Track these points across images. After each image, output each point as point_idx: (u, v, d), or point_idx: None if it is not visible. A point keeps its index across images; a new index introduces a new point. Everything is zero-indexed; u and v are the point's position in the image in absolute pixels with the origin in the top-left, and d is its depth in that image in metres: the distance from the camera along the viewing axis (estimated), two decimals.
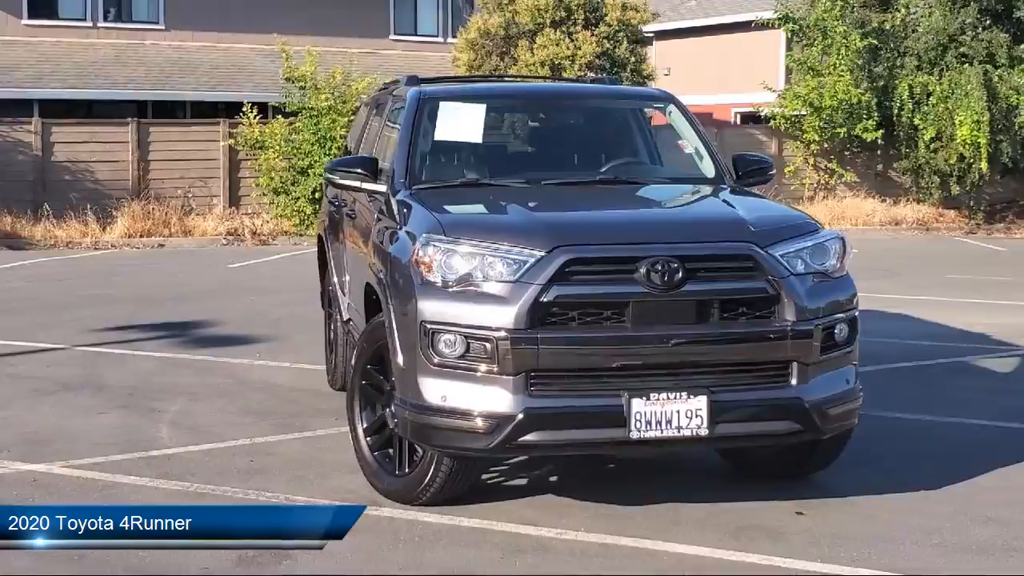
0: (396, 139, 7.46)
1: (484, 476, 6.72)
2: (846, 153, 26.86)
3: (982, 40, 25.64)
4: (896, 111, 25.71)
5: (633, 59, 25.59)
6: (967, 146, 24.76)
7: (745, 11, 34.04)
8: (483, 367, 5.75)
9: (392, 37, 31.34)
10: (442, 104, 7.45)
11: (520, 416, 5.68)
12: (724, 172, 7.39)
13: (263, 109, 24.88)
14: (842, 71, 25.41)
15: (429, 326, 5.85)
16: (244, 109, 22.87)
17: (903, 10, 26.54)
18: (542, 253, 5.77)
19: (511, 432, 5.70)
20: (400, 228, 6.44)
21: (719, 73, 34.70)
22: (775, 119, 26.46)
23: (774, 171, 7.70)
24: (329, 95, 22.36)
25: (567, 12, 25.21)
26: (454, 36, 29.57)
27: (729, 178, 7.36)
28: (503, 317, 5.71)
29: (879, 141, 25.96)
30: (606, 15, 25.44)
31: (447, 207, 6.49)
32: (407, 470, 6.36)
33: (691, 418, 5.74)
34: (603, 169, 7.44)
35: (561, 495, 6.59)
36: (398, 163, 7.12)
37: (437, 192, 6.89)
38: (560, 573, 5.52)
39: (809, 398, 5.91)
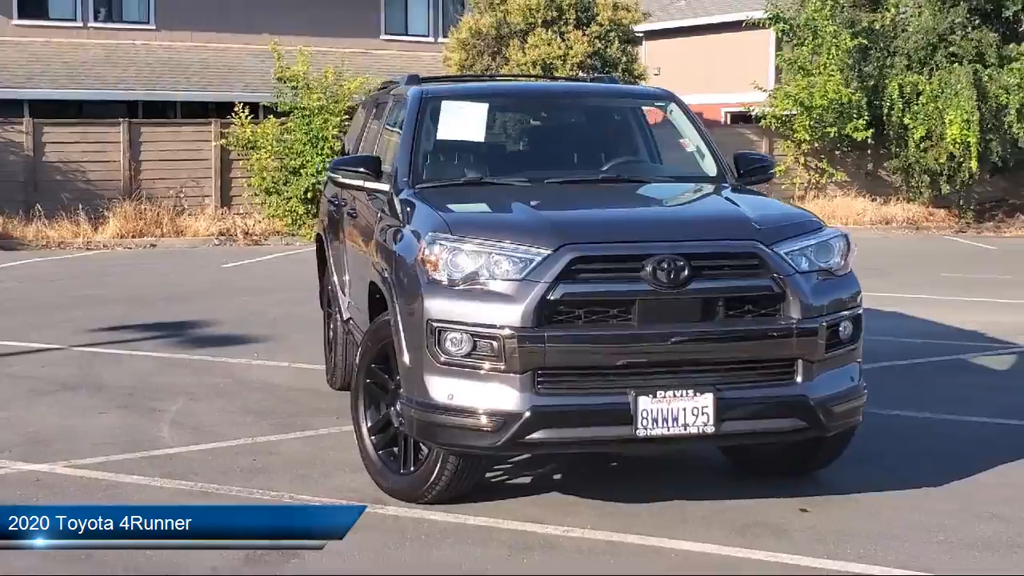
0: (398, 139, 7.47)
1: (488, 474, 6.74)
2: (836, 152, 26.92)
3: (971, 39, 25.71)
4: (886, 110, 25.77)
5: (624, 59, 25.61)
6: (957, 145, 24.83)
7: (734, 11, 34.11)
8: (490, 365, 5.76)
9: (383, 37, 31.32)
10: (444, 103, 7.47)
11: (527, 414, 5.70)
12: (726, 171, 7.42)
13: (254, 109, 24.87)
14: (832, 71, 25.47)
15: (436, 324, 5.86)
16: (236, 109, 22.83)
17: (893, 10, 26.60)
18: (548, 251, 5.79)
19: (518, 430, 5.71)
20: (404, 227, 6.46)
21: (708, 73, 34.76)
22: (766, 118, 26.51)
23: (775, 170, 7.74)
24: (321, 95, 22.34)
25: (558, 12, 25.22)
26: (445, 36, 29.57)
27: (731, 177, 7.38)
28: (510, 315, 5.72)
29: (869, 140, 26.02)
30: (597, 15, 25.47)
31: (452, 206, 6.51)
32: (412, 468, 6.37)
33: (697, 415, 5.76)
34: (605, 168, 7.46)
35: (566, 493, 6.61)
36: (401, 162, 7.13)
37: (440, 191, 6.90)
38: (568, 571, 5.53)
39: (814, 395, 5.95)
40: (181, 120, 26.15)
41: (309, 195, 22.15)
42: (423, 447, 6.28)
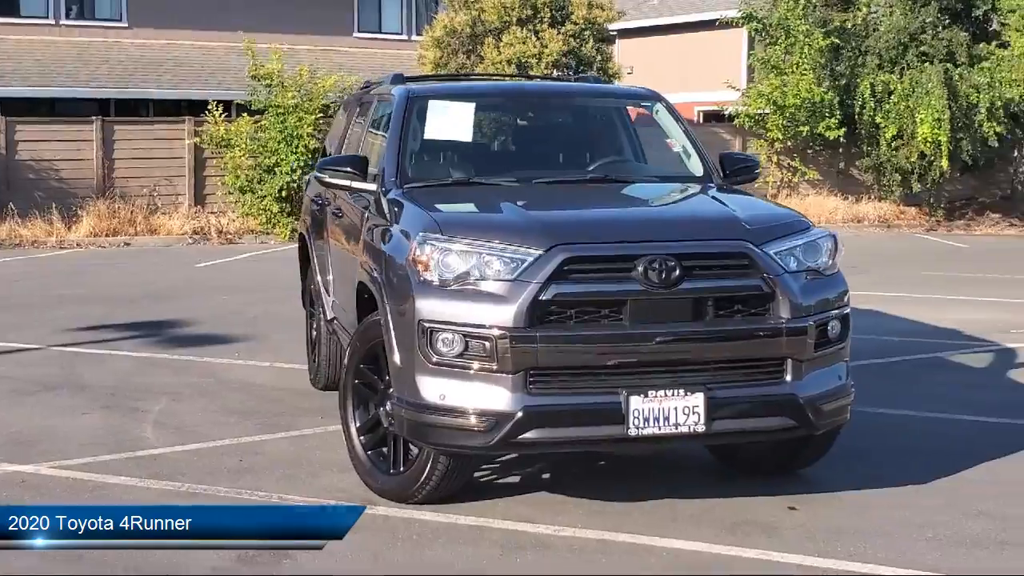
0: (384, 139, 7.47)
1: (477, 474, 6.74)
2: (809, 151, 27.05)
3: (942, 39, 25.89)
4: (858, 109, 25.91)
5: (599, 58, 25.65)
6: (928, 144, 25.00)
7: (706, 10, 34.23)
8: (482, 365, 5.77)
9: (356, 35, 31.27)
10: (431, 103, 7.46)
11: (519, 414, 5.71)
12: (712, 171, 7.45)
13: (228, 107, 24.77)
14: (805, 70, 25.60)
15: (427, 325, 5.86)
16: (210, 107, 22.73)
17: (864, 9, 26.75)
18: (540, 252, 5.80)
19: (510, 430, 5.72)
20: (393, 227, 6.46)
21: (681, 72, 34.86)
22: (739, 117, 26.61)
23: (760, 169, 7.78)
24: (296, 93, 22.26)
25: (533, 10, 25.23)
26: (419, 34, 29.55)
27: (717, 176, 7.41)
28: (502, 316, 5.73)
29: (841, 139, 26.17)
30: (572, 13, 25.49)
31: (441, 206, 6.52)
32: (402, 468, 6.37)
33: (688, 415, 5.79)
34: (593, 167, 7.48)
35: (555, 492, 6.62)
36: (388, 162, 7.12)
37: (428, 191, 6.90)
38: (561, 570, 5.55)
39: (803, 394, 5.98)
40: (154, 118, 26.02)
41: (283, 193, 22.08)
42: (413, 447, 6.28)
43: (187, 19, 28.80)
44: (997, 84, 25.14)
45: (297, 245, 10.21)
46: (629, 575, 5.50)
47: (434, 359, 5.86)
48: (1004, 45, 26.04)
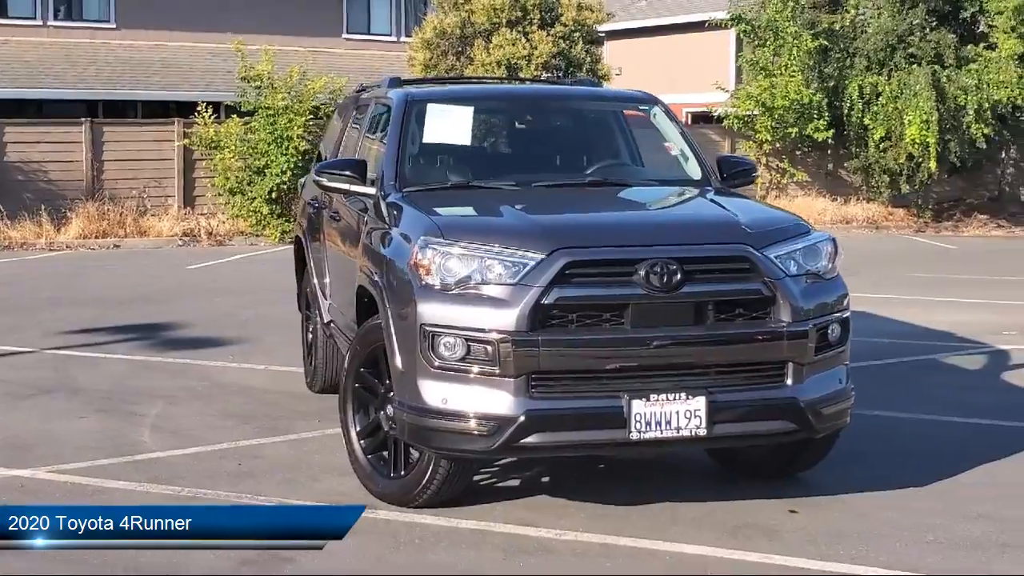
0: (383, 142, 7.47)
1: (476, 477, 6.74)
2: (797, 153, 27.10)
3: (930, 41, 25.96)
4: (846, 111, 25.97)
5: (589, 59, 25.68)
6: (916, 145, 25.06)
7: (695, 12, 34.28)
8: (484, 369, 5.78)
9: (345, 36, 31.25)
10: (430, 106, 7.47)
11: (522, 418, 5.72)
12: (710, 174, 7.47)
13: (216, 108, 24.71)
14: (793, 71, 25.65)
15: (429, 329, 5.87)
16: (199, 108, 22.68)
17: (852, 11, 26.82)
18: (542, 256, 5.81)
19: (513, 434, 5.74)
20: (393, 231, 6.46)
21: (669, 73, 34.89)
22: (728, 119, 26.65)
23: (758, 173, 7.80)
24: (286, 94, 22.23)
25: (523, 12, 25.24)
26: (407, 35, 29.56)
27: (715, 180, 7.43)
28: (504, 319, 5.74)
29: (830, 141, 26.22)
30: (562, 15, 25.51)
31: (442, 210, 6.52)
32: (403, 472, 6.37)
33: (690, 419, 5.81)
34: (591, 171, 7.49)
35: (555, 496, 6.63)
36: (387, 166, 7.12)
37: (428, 195, 6.91)
38: (565, 573, 5.56)
39: (804, 398, 6.01)
40: (144, 120, 25.97)
41: (274, 195, 22.03)
42: (413, 451, 6.29)
43: (175, 20, 28.75)
44: (985, 86, 25.22)
45: (293, 248, 10.17)
46: None
47: (436, 363, 5.87)
48: (992, 47, 26.12)
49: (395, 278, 6.19)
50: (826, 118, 25.77)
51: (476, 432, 5.80)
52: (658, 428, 5.78)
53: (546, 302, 5.75)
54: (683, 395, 5.80)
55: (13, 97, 25.40)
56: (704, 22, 30.54)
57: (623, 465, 7.19)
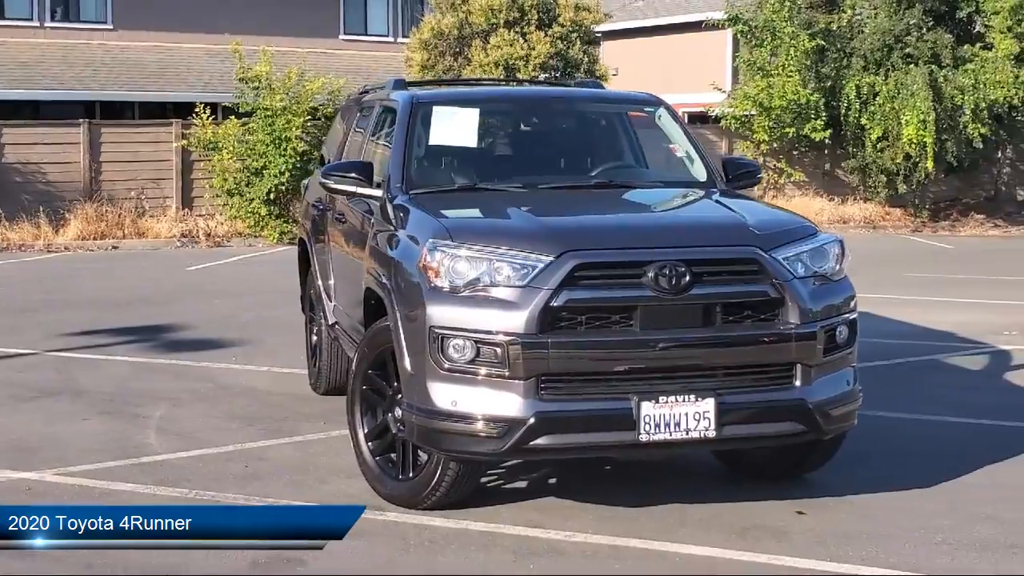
0: (388, 144, 7.48)
1: (483, 479, 6.74)
2: (795, 153, 27.14)
3: (927, 41, 26.00)
4: (843, 111, 26.01)
5: (586, 60, 25.70)
6: (913, 145, 25.10)
7: (691, 12, 34.29)
8: (494, 371, 5.79)
9: (342, 37, 31.25)
10: (436, 109, 7.48)
11: (532, 420, 5.73)
12: (715, 175, 7.48)
13: (214, 110, 24.71)
14: (791, 71, 25.68)
15: (438, 331, 5.87)
16: (197, 109, 22.67)
17: (849, 11, 26.85)
18: (551, 258, 5.82)
19: (523, 436, 5.74)
20: (401, 233, 6.47)
21: (666, 73, 34.91)
22: (725, 119, 26.68)
23: (762, 174, 7.81)
24: (284, 95, 22.22)
25: (520, 12, 25.25)
26: (405, 36, 29.55)
27: (720, 181, 7.44)
28: (513, 322, 5.75)
29: (827, 141, 26.26)
30: (559, 16, 25.53)
31: (450, 212, 6.54)
32: (411, 474, 6.38)
33: (699, 420, 5.82)
34: (596, 172, 7.51)
35: (563, 498, 6.64)
36: (394, 168, 7.13)
37: (435, 197, 6.92)
38: (576, 574, 5.58)
39: (812, 399, 6.02)
40: (142, 121, 25.94)
41: (272, 196, 22.03)
42: (422, 453, 6.30)
43: (172, 21, 28.74)
44: (981, 86, 25.26)
45: (297, 250, 10.17)
46: None
47: (445, 365, 5.87)
48: (988, 47, 26.17)
49: (404, 280, 6.19)
50: (823, 118, 25.80)
51: (486, 434, 5.80)
52: (667, 430, 5.79)
53: (555, 304, 5.76)
54: (692, 397, 5.81)
55: (10, 98, 25.40)
56: (701, 22, 30.57)
57: (628, 467, 7.20)
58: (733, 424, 5.89)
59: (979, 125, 25.23)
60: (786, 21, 25.75)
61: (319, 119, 22.39)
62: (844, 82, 26.04)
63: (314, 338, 9.26)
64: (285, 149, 21.88)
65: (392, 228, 6.65)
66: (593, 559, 5.74)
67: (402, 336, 6.10)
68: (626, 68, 34.66)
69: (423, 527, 6.13)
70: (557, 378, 5.78)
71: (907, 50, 25.99)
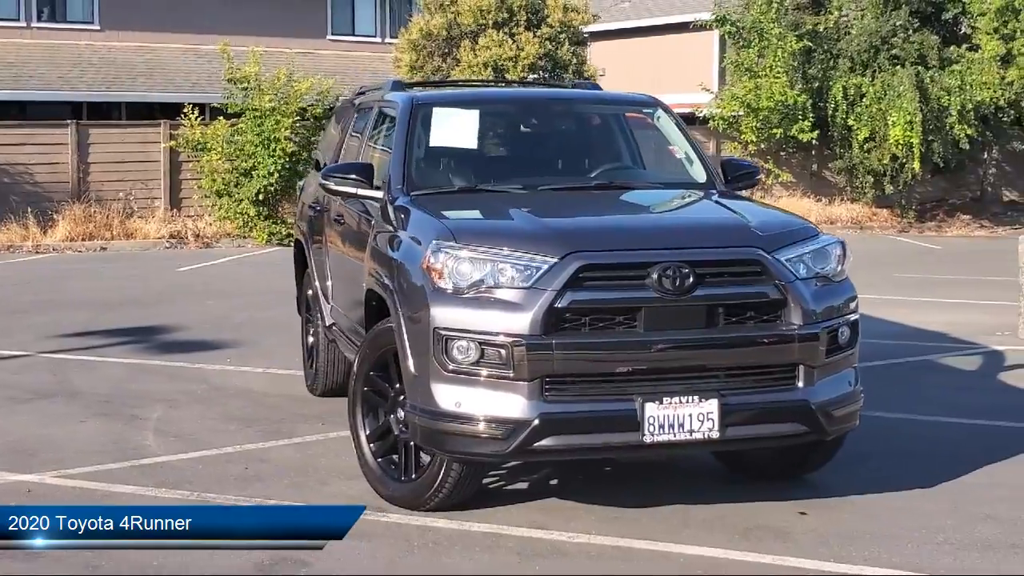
0: (388, 145, 7.48)
1: (485, 480, 6.74)
2: (782, 153, 27.22)
3: (913, 42, 26.09)
4: (830, 112, 26.09)
5: (575, 60, 25.72)
6: (900, 146, 25.18)
7: (678, 13, 34.34)
8: (498, 373, 5.79)
9: (329, 37, 31.21)
10: (436, 110, 7.48)
11: (536, 421, 5.73)
12: (715, 177, 7.50)
13: (202, 110, 24.65)
14: (778, 73, 25.74)
15: (442, 333, 5.88)
16: (185, 110, 22.62)
17: (836, 13, 26.93)
18: (555, 259, 5.83)
19: (527, 437, 5.75)
20: (403, 234, 6.47)
21: (653, 74, 34.92)
22: (713, 120, 26.74)
23: (761, 176, 7.83)
24: (273, 96, 22.18)
25: (509, 13, 25.26)
26: (392, 37, 29.53)
27: (719, 183, 7.46)
28: (518, 323, 5.75)
29: (814, 142, 26.35)
30: (548, 16, 25.54)
31: (452, 213, 6.54)
32: (414, 476, 6.38)
33: (703, 421, 5.83)
34: (596, 174, 7.52)
35: (565, 499, 6.64)
36: (394, 169, 7.13)
37: (437, 198, 6.92)
38: (581, 575, 5.58)
39: (815, 400, 6.04)
40: (130, 122, 25.86)
41: (260, 197, 21.99)
42: (424, 454, 6.30)
43: (159, 22, 28.67)
44: (968, 87, 25.36)
45: (293, 251, 10.15)
46: None
47: (449, 367, 5.87)
48: (974, 48, 26.27)
49: (407, 282, 6.19)
50: (810, 119, 25.88)
51: (490, 435, 5.80)
52: (671, 431, 5.80)
53: (559, 305, 5.76)
54: (696, 398, 5.82)
55: None
56: (688, 23, 30.63)
57: (631, 467, 7.21)
58: (736, 425, 5.91)
59: (965, 126, 25.33)
60: (773, 22, 25.82)
61: (308, 120, 22.36)
62: (831, 83, 26.13)
63: (311, 339, 9.25)
64: (274, 150, 21.85)
65: (394, 229, 6.65)
66: (597, 560, 5.75)
67: (405, 337, 6.10)
68: (614, 69, 34.62)
69: (426, 528, 6.14)
70: (561, 379, 5.78)
71: (894, 51, 26.08)
